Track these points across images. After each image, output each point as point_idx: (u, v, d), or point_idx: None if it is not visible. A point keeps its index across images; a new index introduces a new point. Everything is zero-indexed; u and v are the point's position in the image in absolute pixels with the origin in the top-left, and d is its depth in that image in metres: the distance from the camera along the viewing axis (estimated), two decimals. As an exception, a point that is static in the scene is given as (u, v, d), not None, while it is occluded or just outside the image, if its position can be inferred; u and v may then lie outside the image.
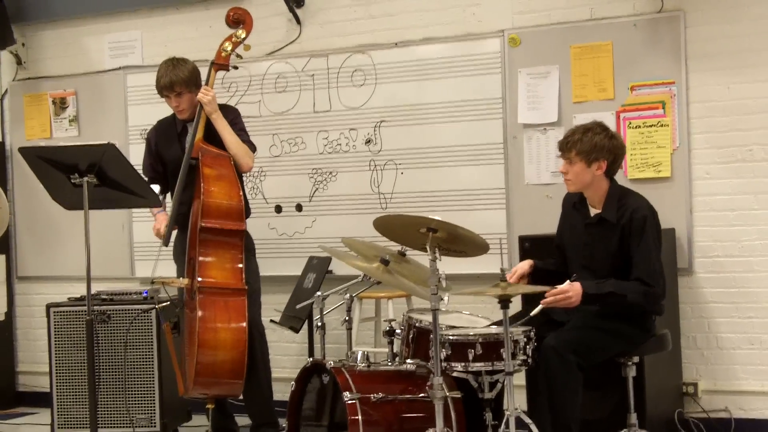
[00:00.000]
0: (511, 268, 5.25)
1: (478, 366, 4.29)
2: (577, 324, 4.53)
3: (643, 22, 5.74)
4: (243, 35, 5.53)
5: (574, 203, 4.81)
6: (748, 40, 5.55)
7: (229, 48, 5.51)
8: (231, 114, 5.51)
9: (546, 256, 4.95)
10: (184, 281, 5.20)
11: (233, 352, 5.03)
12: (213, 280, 5.10)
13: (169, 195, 5.60)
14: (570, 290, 4.43)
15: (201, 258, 5.10)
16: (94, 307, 5.43)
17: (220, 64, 5.51)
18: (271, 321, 5.76)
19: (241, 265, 5.17)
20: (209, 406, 5.22)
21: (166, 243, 5.39)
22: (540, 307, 4.50)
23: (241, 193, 5.23)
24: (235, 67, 5.63)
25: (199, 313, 5.02)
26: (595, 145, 4.58)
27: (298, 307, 5.44)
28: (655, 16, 5.72)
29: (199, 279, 5.09)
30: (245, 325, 5.07)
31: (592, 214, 4.71)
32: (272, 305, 5.83)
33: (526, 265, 4.79)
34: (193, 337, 5.04)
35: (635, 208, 4.58)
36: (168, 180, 5.60)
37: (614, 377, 4.70)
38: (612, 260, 4.58)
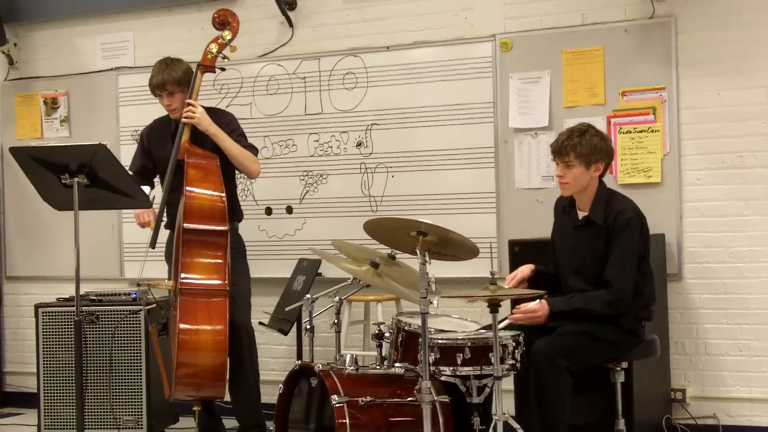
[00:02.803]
0: (503, 272, 5.26)
1: (466, 370, 4.29)
2: (567, 329, 4.53)
3: (635, 27, 5.75)
4: (229, 37, 5.51)
5: (564, 207, 4.82)
6: (739, 46, 5.56)
7: (215, 50, 5.49)
8: (226, 119, 5.49)
9: (537, 261, 4.94)
10: (170, 283, 5.18)
11: (214, 353, 5.00)
12: (194, 282, 5.08)
13: (157, 189, 5.60)
14: (538, 309, 4.50)
15: (184, 259, 5.09)
16: (83, 307, 5.42)
17: (207, 66, 5.49)
18: (260, 323, 5.75)
19: (224, 267, 5.15)
20: (196, 408, 5.19)
21: (153, 245, 5.38)
22: (507, 321, 4.55)
23: (224, 194, 5.20)
24: (222, 69, 5.61)
25: (180, 315, 5.00)
26: (594, 147, 4.60)
27: (287, 309, 5.44)
28: (646, 22, 5.73)
29: (181, 280, 5.07)
30: (226, 327, 5.04)
31: (580, 217, 4.71)
32: (261, 307, 5.82)
33: (527, 269, 4.78)
34: (175, 338, 5.03)
35: (621, 210, 4.59)
36: (154, 178, 5.60)
37: (603, 382, 4.70)
38: (601, 263, 4.59)
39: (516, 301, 4.70)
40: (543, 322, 4.52)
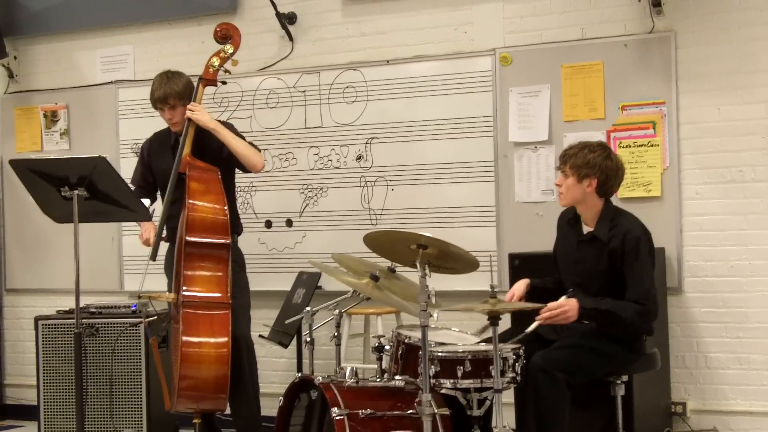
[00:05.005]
0: (503, 285, 5.25)
1: (467, 383, 4.27)
2: (565, 343, 4.52)
3: (634, 42, 5.76)
4: (231, 50, 5.52)
5: (569, 220, 4.82)
6: (738, 61, 5.58)
7: (217, 63, 5.50)
8: (225, 126, 5.51)
9: (537, 274, 4.94)
10: (171, 296, 5.18)
11: (216, 366, 5.00)
12: (196, 294, 5.08)
13: (158, 203, 5.61)
14: (566, 305, 4.44)
15: (186, 272, 5.09)
16: (83, 320, 5.41)
17: (208, 79, 5.49)
18: (260, 336, 5.75)
19: (226, 279, 5.15)
20: (196, 420, 5.18)
21: (153, 257, 5.38)
22: (536, 323, 4.48)
23: (227, 207, 5.20)
24: (224, 83, 5.62)
25: (182, 327, 5.00)
26: (587, 162, 4.61)
27: (287, 322, 5.44)
28: (646, 37, 5.74)
29: (183, 293, 5.07)
30: (228, 340, 5.04)
31: (585, 232, 4.72)
32: (261, 320, 5.82)
33: (522, 285, 4.77)
34: (177, 351, 5.02)
35: (628, 230, 4.58)
36: (156, 191, 5.61)
37: (603, 396, 4.69)
38: (602, 278, 4.59)
39: (516, 316, 4.71)
40: (573, 319, 4.44)
